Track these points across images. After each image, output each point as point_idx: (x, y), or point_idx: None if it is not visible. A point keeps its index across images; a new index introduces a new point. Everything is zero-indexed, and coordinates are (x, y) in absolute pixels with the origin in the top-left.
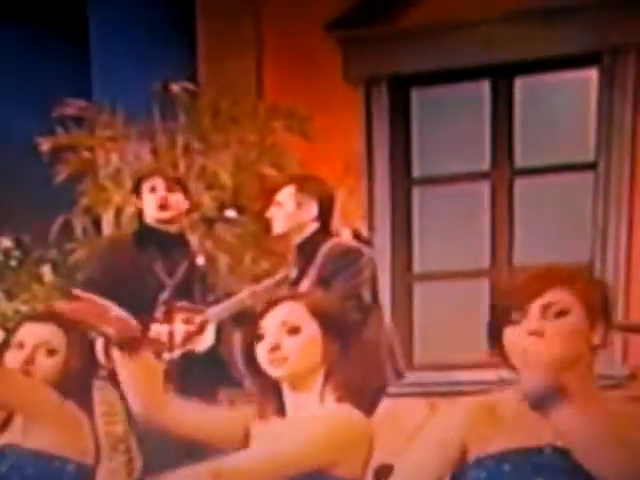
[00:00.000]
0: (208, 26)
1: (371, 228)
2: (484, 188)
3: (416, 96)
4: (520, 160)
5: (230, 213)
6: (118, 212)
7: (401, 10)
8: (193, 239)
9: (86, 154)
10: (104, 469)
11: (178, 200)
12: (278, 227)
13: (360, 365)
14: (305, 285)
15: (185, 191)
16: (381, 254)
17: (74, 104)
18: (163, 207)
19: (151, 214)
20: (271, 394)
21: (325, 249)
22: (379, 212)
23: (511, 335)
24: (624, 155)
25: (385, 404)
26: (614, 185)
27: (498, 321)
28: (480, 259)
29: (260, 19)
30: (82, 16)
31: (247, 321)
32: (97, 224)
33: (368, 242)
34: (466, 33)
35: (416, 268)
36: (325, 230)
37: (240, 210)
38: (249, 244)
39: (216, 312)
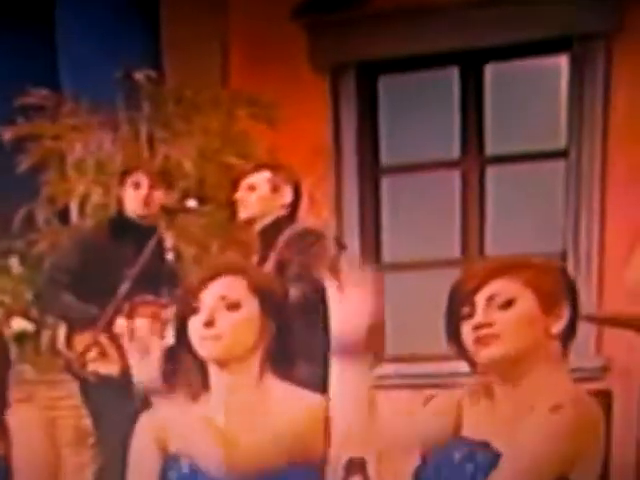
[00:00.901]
0: (172, 13)
1: (339, 217)
2: (454, 176)
3: (384, 83)
4: (491, 148)
5: (191, 203)
6: (83, 202)
7: None
8: (167, 235)
9: (49, 143)
10: (71, 464)
11: (159, 196)
12: (246, 211)
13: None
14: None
15: (169, 186)
16: (350, 243)
17: (37, 93)
18: (145, 204)
19: (132, 209)
20: (196, 375)
21: (287, 233)
22: (347, 201)
23: (466, 329)
24: (596, 142)
25: None
26: (586, 172)
27: (453, 316)
28: (451, 249)
29: (225, 5)
30: (49, 5)
31: None
32: (63, 214)
33: (341, 243)
34: (435, 19)
35: (385, 258)
36: (292, 218)
37: (204, 200)
38: (215, 234)
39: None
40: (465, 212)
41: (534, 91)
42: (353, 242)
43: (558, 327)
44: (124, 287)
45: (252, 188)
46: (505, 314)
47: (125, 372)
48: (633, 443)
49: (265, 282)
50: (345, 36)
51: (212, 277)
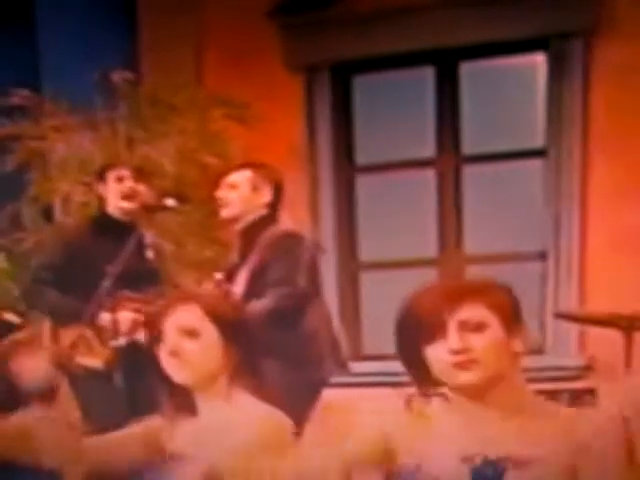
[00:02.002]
0: (149, 14)
1: (314, 216)
2: (430, 176)
3: (358, 83)
4: (467, 147)
5: (170, 202)
6: (66, 200)
7: None
8: (148, 232)
9: (33, 144)
10: None
11: (143, 191)
12: (228, 210)
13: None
14: (245, 271)
15: (149, 182)
16: (325, 242)
17: (18, 94)
18: (129, 197)
19: (116, 204)
20: (180, 397)
21: (267, 235)
22: (323, 200)
23: (434, 353)
24: (574, 141)
25: (333, 394)
26: (565, 172)
27: (412, 340)
28: (428, 247)
29: (201, 6)
30: (29, 7)
31: None
32: (48, 212)
33: (319, 246)
34: (409, 18)
35: (362, 257)
36: (272, 217)
37: (183, 198)
38: (192, 232)
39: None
40: (441, 211)
41: (511, 90)
42: (329, 241)
43: (519, 346)
44: (106, 283)
45: (233, 187)
46: (480, 339)
47: (110, 365)
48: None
49: (219, 306)
50: (319, 36)
51: (168, 308)
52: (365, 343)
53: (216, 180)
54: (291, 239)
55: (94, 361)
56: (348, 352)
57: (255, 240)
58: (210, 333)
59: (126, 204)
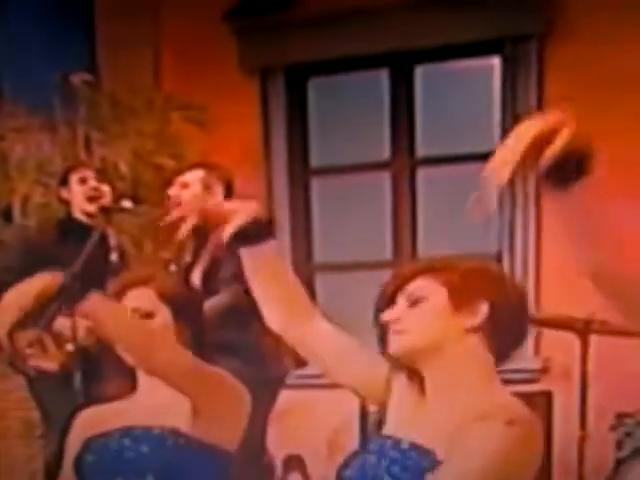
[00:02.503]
0: (106, 16)
1: (270, 217)
2: (385, 178)
3: (313, 85)
4: (422, 150)
5: (127, 203)
6: (24, 201)
7: None
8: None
9: None
10: (21, 455)
11: (107, 191)
12: (180, 210)
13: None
14: (197, 271)
15: (112, 183)
16: (281, 244)
17: None
18: (93, 199)
19: (81, 207)
20: (125, 375)
21: (217, 234)
22: (278, 202)
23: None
24: None
25: (290, 395)
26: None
27: (377, 319)
28: (383, 250)
29: (158, 8)
30: None
31: None
32: (7, 213)
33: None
34: (364, 21)
35: (317, 258)
36: None
37: (139, 200)
38: (149, 233)
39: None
40: (396, 213)
41: (467, 92)
42: (284, 243)
43: (471, 322)
44: (65, 282)
45: (185, 186)
46: (412, 310)
47: (65, 367)
48: (574, 443)
49: (173, 289)
50: (274, 39)
51: (123, 290)
52: None
53: (169, 179)
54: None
55: (49, 364)
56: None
57: (207, 238)
58: (164, 314)
59: (91, 207)
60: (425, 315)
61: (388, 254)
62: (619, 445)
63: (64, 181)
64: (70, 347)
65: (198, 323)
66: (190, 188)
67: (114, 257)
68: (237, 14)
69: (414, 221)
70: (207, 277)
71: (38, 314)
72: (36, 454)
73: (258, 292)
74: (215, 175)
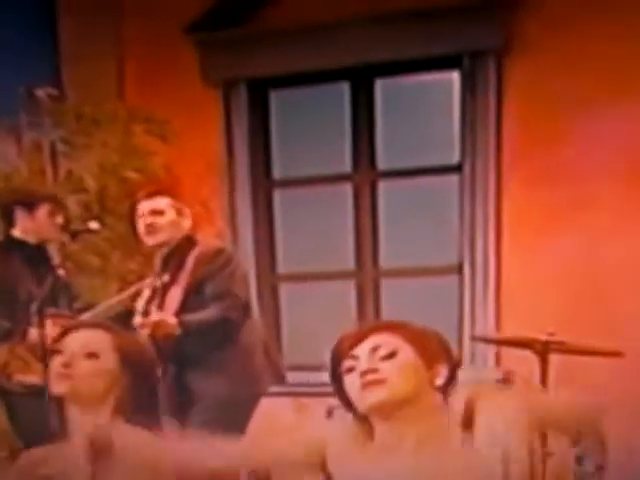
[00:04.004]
0: (69, 28)
1: (233, 229)
2: (347, 190)
3: (275, 98)
4: (383, 163)
5: (93, 225)
6: None
7: (259, 12)
8: (53, 251)
9: None
10: None
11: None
12: (157, 237)
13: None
14: (176, 290)
15: (58, 206)
16: (245, 255)
17: None
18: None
19: (21, 232)
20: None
21: (194, 254)
22: (241, 213)
23: (349, 381)
24: (489, 157)
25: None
26: (480, 187)
27: (335, 372)
28: (346, 261)
29: (120, 21)
30: None
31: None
32: None
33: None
34: (325, 35)
35: (280, 269)
36: (191, 239)
37: (106, 212)
38: (116, 245)
39: (89, 317)
40: (358, 225)
41: (427, 106)
42: (248, 254)
43: (440, 381)
44: (34, 307)
45: (159, 213)
46: (389, 363)
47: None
48: (535, 452)
49: (129, 342)
50: (236, 52)
51: (77, 327)
52: (285, 355)
53: (132, 206)
54: (222, 255)
55: (31, 377)
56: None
57: (183, 260)
58: (109, 359)
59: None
60: (402, 367)
61: (350, 264)
62: (579, 461)
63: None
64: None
65: (142, 374)
66: (165, 215)
67: (61, 272)
68: (199, 27)
69: (376, 232)
70: (188, 297)
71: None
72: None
73: None
74: (180, 199)
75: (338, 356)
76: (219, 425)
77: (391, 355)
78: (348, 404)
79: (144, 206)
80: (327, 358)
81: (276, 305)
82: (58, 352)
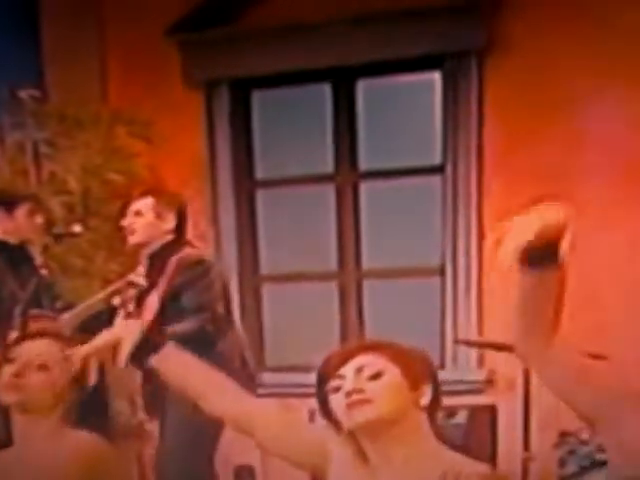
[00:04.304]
0: (52, 30)
1: (216, 230)
2: (329, 191)
3: (257, 98)
4: (365, 163)
5: (77, 228)
6: None
7: (240, 13)
8: (35, 251)
9: None
10: None
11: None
12: (136, 237)
13: None
14: (154, 296)
15: (39, 206)
16: (227, 255)
17: None
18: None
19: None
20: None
21: (174, 260)
22: (224, 214)
23: (335, 400)
24: (471, 158)
25: None
26: (462, 188)
27: (321, 392)
28: (328, 261)
29: (103, 23)
30: None
31: (98, 325)
32: None
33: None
34: (307, 35)
35: (264, 270)
36: (178, 242)
37: (90, 214)
38: (100, 246)
39: (68, 319)
40: (340, 226)
41: (408, 107)
42: (230, 254)
43: (425, 401)
44: (18, 310)
45: (138, 214)
46: (375, 383)
47: None
48: (518, 455)
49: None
50: (218, 53)
51: (32, 337)
52: (267, 355)
53: (123, 207)
54: (201, 266)
55: None
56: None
57: (164, 265)
58: (60, 372)
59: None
60: (387, 388)
61: (333, 265)
62: (562, 463)
63: None
64: None
65: (92, 390)
66: (143, 217)
67: (43, 272)
68: (181, 28)
69: (358, 233)
70: (165, 305)
71: None
72: None
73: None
74: (166, 202)
75: (324, 376)
76: (191, 437)
77: (377, 375)
78: (335, 423)
79: (133, 206)
80: (310, 361)
81: (258, 306)
82: (11, 360)
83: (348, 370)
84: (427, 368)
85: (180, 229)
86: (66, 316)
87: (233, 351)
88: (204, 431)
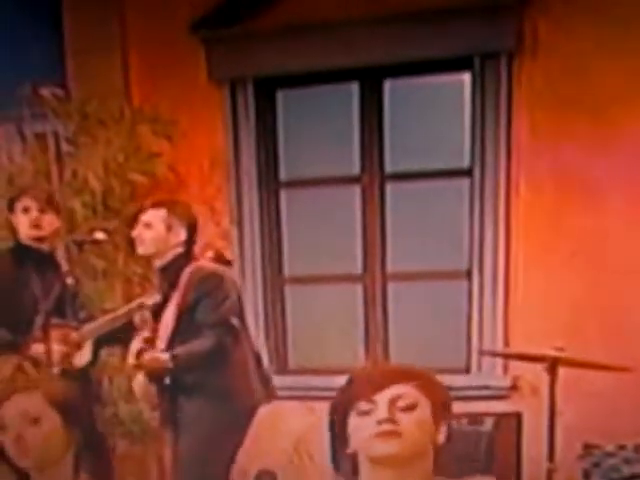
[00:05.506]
0: (74, 25)
1: (240, 230)
2: (355, 192)
3: (282, 97)
4: (392, 165)
5: (99, 235)
6: None
7: (266, 10)
8: (62, 259)
9: None
10: None
11: (50, 220)
12: (145, 248)
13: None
14: (170, 312)
15: (57, 210)
16: (251, 256)
17: None
18: (36, 226)
19: (25, 232)
20: None
21: (187, 273)
22: (247, 214)
23: (358, 423)
24: (499, 161)
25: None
26: (489, 192)
27: (343, 407)
28: (353, 264)
29: (125, 20)
30: None
31: (121, 338)
32: None
33: (229, 263)
34: (334, 34)
35: (287, 271)
36: (188, 255)
37: (111, 214)
38: (121, 247)
39: (91, 329)
40: (366, 228)
41: (436, 108)
42: (254, 256)
43: (441, 440)
44: (39, 320)
45: (148, 226)
46: (408, 416)
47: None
48: (543, 461)
49: (63, 394)
50: (243, 50)
51: (9, 395)
52: (290, 358)
53: (134, 217)
54: (214, 278)
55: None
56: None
57: (176, 278)
58: (52, 419)
59: (33, 232)
60: (418, 423)
61: (358, 267)
62: (586, 475)
63: (11, 208)
64: (55, 371)
65: (89, 427)
66: (153, 229)
67: (70, 281)
68: (206, 24)
69: (384, 236)
70: (181, 318)
71: None
72: None
73: None
74: (177, 214)
75: (353, 395)
76: (212, 444)
77: (411, 408)
78: (342, 442)
79: (144, 216)
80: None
81: (282, 308)
82: (2, 428)
83: (383, 397)
84: (447, 405)
85: (189, 242)
86: (90, 327)
87: (247, 363)
88: (223, 436)
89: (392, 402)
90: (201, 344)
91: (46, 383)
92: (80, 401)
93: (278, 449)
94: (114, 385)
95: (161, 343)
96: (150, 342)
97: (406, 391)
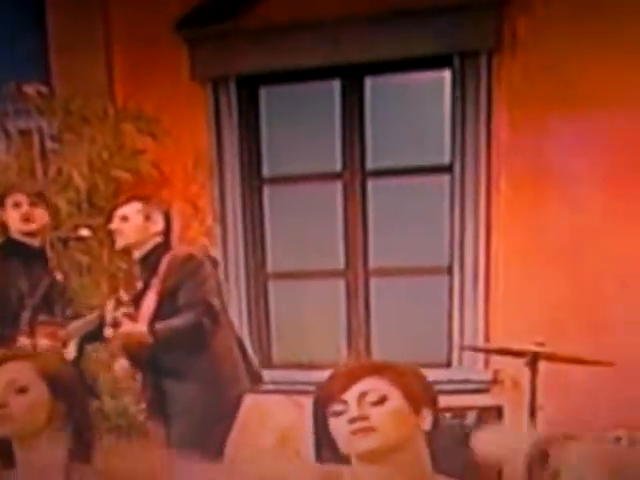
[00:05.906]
0: (58, 23)
1: (223, 227)
2: (337, 189)
3: (265, 95)
4: (373, 161)
5: (84, 232)
6: None
7: (249, 8)
8: (52, 255)
9: None
10: None
11: (40, 214)
12: (124, 239)
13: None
14: (150, 297)
15: (47, 204)
16: (234, 252)
17: None
18: (27, 220)
19: (16, 227)
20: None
21: (165, 259)
22: (230, 211)
23: (335, 424)
24: (479, 158)
25: (250, 400)
26: (470, 188)
27: (322, 414)
28: (335, 259)
29: (109, 18)
30: None
31: (96, 338)
32: None
33: (215, 261)
34: (315, 32)
35: (270, 268)
36: (167, 245)
37: (95, 210)
38: (105, 243)
39: (77, 327)
40: (348, 224)
41: (417, 105)
42: (237, 252)
43: (426, 426)
44: (26, 314)
45: (124, 219)
46: (379, 409)
47: None
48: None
49: (55, 367)
50: (226, 48)
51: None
52: (273, 353)
53: (109, 214)
54: (192, 261)
55: None
56: (259, 363)
57: (155, 267)
58: (39, 390)
59: (25, 226)
60: (392, 414)
61: (340, 263)
62: None
63: (1, 204)
64: None
65: (77, 401)
66: (130, 220)
67: (59, 276)
68: (188, 23)
69: (365, 231)
70: (162, 303)
71: None
72: None
73: None
74: (153, 205)
75: (325, 398)
76: (201, 432)
77: (381, 401)
78: (331, 445)
79: (118, 211)
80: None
81: (265, 303)
82: None
83: (351, 395)
84: (427, 391)
85: (167, 232)
86: (76, 324)
87: (230, 345)
88: (211, 425)
89: (361, 398)
90: (180, 321)
91: (39, 356)
92: (71, 376)
93: (263, 442)
94: (100, 380)
95: (142, 325)
96: (125, 304)
97: (373, 385)
